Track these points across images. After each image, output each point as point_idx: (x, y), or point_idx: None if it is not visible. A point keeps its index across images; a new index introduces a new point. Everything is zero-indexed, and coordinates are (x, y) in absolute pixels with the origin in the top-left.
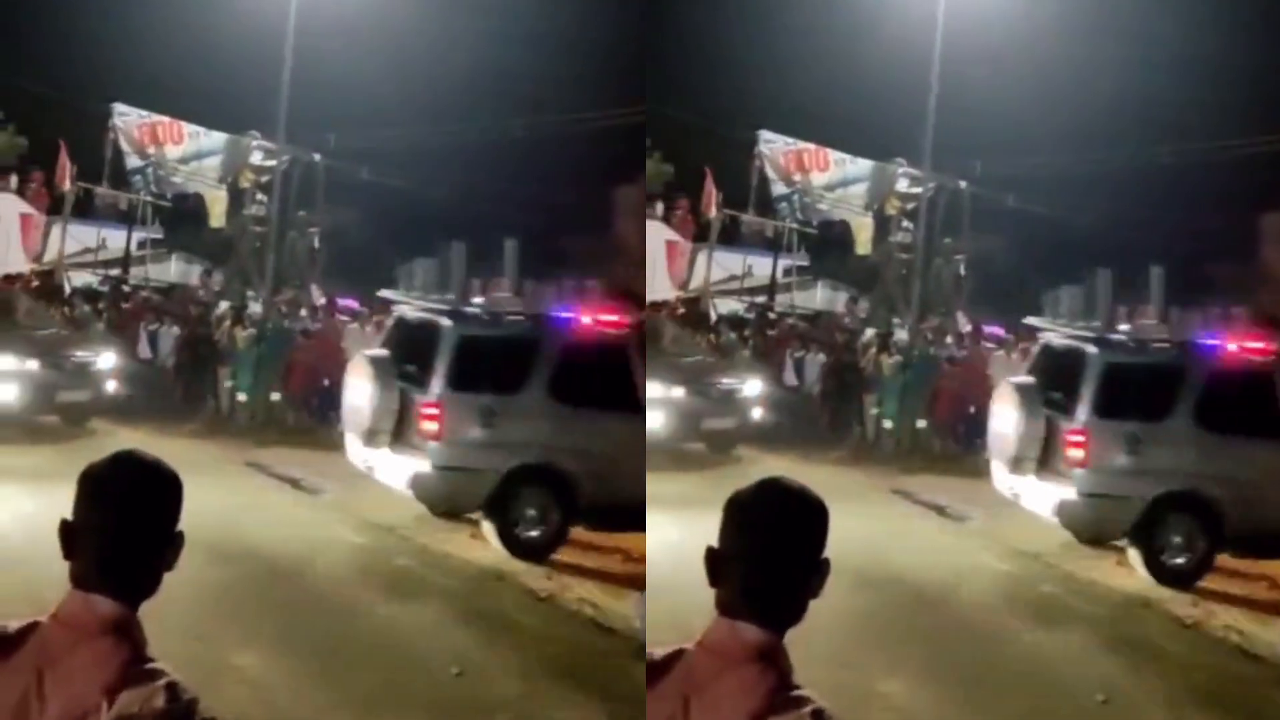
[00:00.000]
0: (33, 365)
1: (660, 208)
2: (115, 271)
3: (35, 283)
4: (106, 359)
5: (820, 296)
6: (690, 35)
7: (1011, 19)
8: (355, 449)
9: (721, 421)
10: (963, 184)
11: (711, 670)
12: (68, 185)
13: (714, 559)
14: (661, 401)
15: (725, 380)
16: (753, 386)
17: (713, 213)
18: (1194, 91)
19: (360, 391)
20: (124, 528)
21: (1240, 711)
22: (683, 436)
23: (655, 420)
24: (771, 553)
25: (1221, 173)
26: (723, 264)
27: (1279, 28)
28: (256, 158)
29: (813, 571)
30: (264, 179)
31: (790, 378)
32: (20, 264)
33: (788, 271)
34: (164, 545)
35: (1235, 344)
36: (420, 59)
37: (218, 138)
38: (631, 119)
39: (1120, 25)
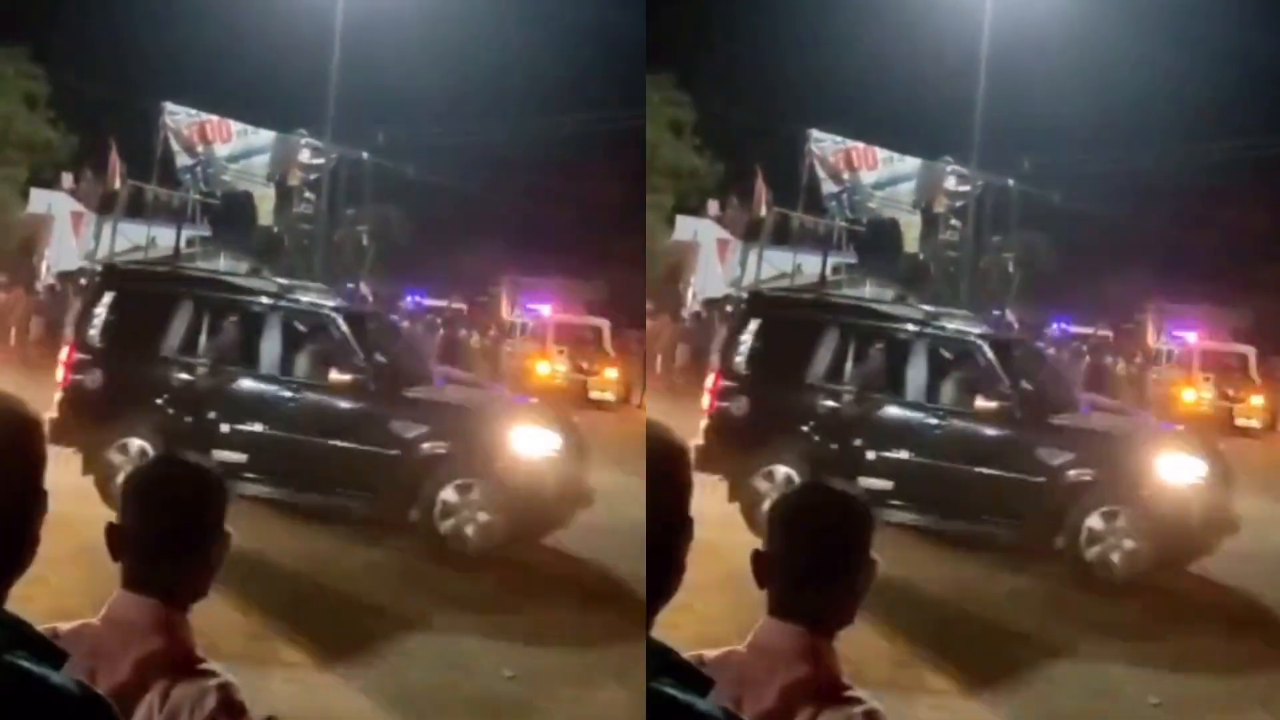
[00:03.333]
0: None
1: (713, 207)
2: (165, 269)
3: (84, 280)
4: None
5: (869, 294)
6: (740, 37)
7: (1059, 18)
8: None
9: None
10: (1010, 182)
11: (762, 670)
12: (118, 183)
13: (761, 562)
14: None
15: None
16: None
17: (763, 211)
18: (1245, 89)
19: None
20: (167, 530)
21: None
22: None
23: None
24: (817, 555)
25: (1272, 168)
26: (773, 262)
27: None
28: (305, 156)
29: (859, 573)
30: (312, 177)
31: None
32: (72, 261)
33: (836, 269)
34: (208, 546)
35: None
36: (467, 58)
37: (266, 136)
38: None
39: (1170, 23)
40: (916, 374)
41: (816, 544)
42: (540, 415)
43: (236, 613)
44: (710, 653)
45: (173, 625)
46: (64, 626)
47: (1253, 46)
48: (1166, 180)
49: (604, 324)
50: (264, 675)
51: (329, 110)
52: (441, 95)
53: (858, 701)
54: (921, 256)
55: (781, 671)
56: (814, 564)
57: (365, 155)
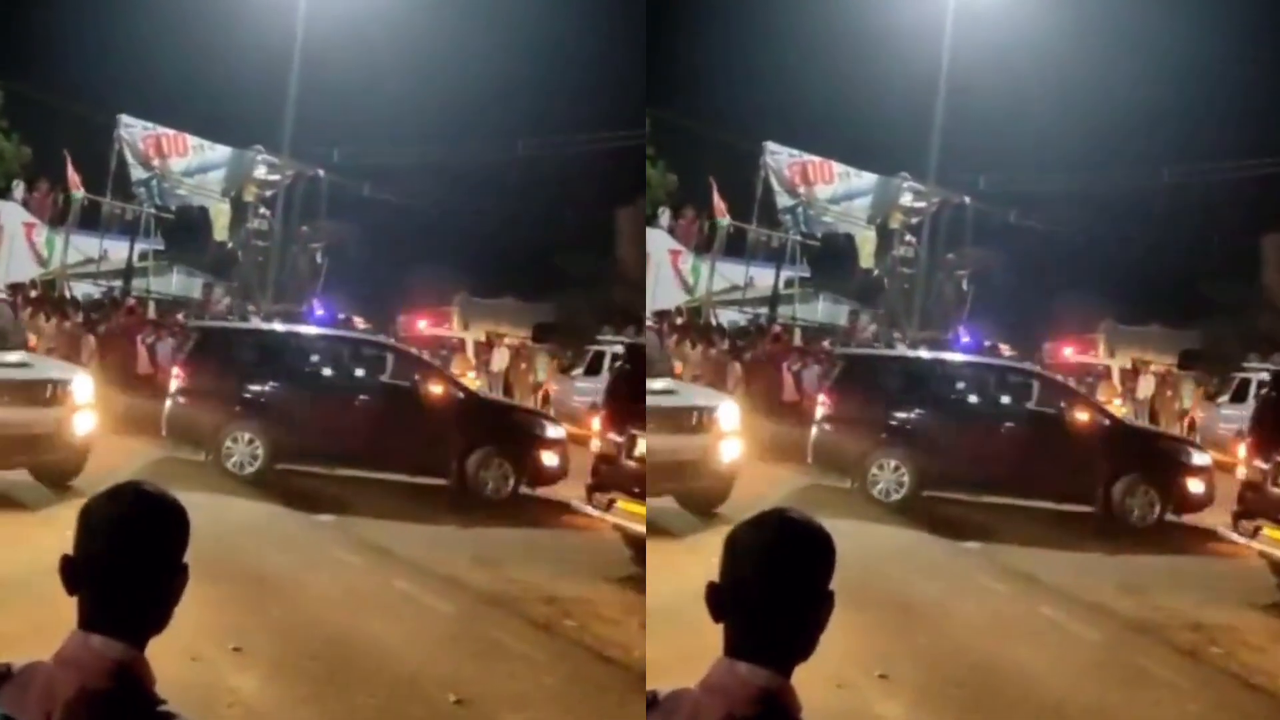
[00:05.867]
0: None
1: (665, 217)
2: (117, 283)
3: (36, 292)
4: None
5: (822, 309)
6: (697, 48)
7: (1018, 37)
8: None
9: None
10: (966, 199)
11: (714, 713)
12: (72, 195)
13: (716, 594)
14: None
15: None
16: None
17: (718, 223)
18: (1199, 111)
19: None
20: (128, 563)
21: None
22: None
23: None
24: (775, 589)
25: (1224, 192)
26: (725, 274)
27: None
28: (260, 172)
29: (819, 608)
30: (268, 193)
31: (790, 392)
32: (24, 272)
33: (789, 283)
34: (169, 580)
35: None
36: (425, 78)
37: (222, 151)
38: (631, 142)
39: (1127, 45)
40: None
41: (775, 577)
42: None
43: None
44: (662, 690)
45: (129, 665)
46: (17, 664)
47: (1208, 72)
48: (1119, 201)
49: (467, 336)
50: None
51: (286, 126)
52: (397, 115)
53: None
54: (876, 272)
55: (734, 714)
56: (772, 598)
57: (321, 172)
